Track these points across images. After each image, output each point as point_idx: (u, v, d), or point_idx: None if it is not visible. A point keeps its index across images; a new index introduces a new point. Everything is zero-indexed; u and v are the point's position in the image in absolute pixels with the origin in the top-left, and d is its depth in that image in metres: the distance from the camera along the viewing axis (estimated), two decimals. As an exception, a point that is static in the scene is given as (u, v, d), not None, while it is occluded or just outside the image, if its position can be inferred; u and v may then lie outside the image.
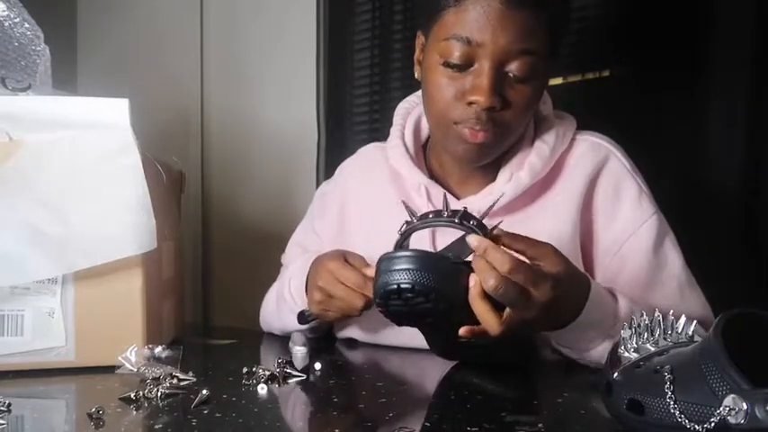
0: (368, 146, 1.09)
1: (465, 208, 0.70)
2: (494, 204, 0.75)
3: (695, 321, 0.58)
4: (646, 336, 0.57)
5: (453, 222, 0.69)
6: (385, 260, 0.68)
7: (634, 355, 0.56)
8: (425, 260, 0.67)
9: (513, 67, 0.81)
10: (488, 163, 0.91)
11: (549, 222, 0.89)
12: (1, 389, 0.71)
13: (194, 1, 1.72)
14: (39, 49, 0.95)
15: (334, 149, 1.56)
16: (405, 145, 0.97)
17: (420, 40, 0.92)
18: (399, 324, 0.74)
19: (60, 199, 0.80)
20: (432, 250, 0.77)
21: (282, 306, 1.01)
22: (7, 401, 0.61)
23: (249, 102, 1.67)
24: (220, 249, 1.72)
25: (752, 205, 1.15)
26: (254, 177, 1.66)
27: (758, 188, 1.15)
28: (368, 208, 1.01)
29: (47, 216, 0.79)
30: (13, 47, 0.94)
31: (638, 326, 0.58)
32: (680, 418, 0.49)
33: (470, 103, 0.82)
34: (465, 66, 0.82)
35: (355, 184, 1.05)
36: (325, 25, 1.57)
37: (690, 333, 0.57)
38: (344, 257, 0.88)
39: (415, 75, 0.93)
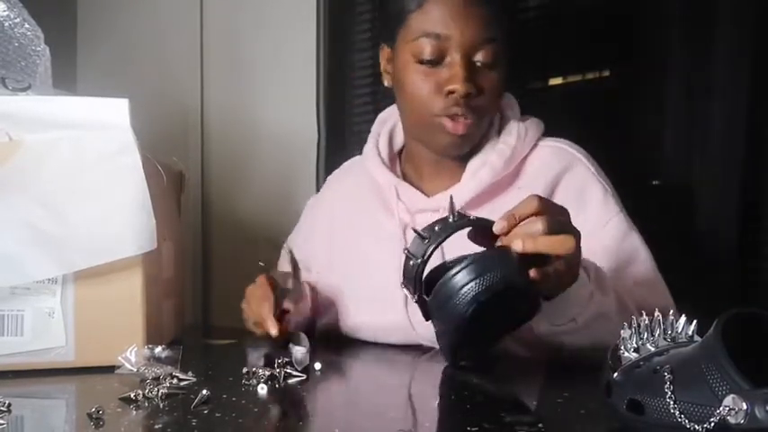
0: (350, 160, 1.16)
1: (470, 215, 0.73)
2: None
3: (695, 321, 0.58)
4: (646, 336, 0.57)
5: (468, 221, 0.71)
6: (443, 285, 0.68)
7: (634, 355, 0.56)
8: (485, 262, 0.67)
9: (480, 56, 0.89)
10: (455, 163, 0.97)
11: None
12: (1, 389, 0.71)
13: (194, 1, 1.72)
14: (39, 49, 0.95)
15: (335, 149, 1.56)
16: (378, 151, 1.04)
17: (384, 51, 0.99)
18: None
19: (60, 199, 0.80)
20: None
21: None
22: (7, 401, 0.61)
23: (249, 102, 1.67)
24: (220, 249, 1.72)
25: (751, 205, 1.15)
26: (254, 177, 1.66)
27: (757, 187, 1.15)
28: (350, 217, 1.07)
29: (47, 216, 0.79)
30: (14, 47, 0.94)
31: (638, 326, 0.57)
32: (680, 418, 0.49)
33: (449, 93, 0.89)
34: (437, 60, 0.89)
35: (341, 194, 1.12)
36: (325, 26, 1.57)
37: (690, 333, 0.57)
38: (271, 281, 0.95)
39: (385, 83, 1.00)
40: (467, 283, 0.67)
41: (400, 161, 1.06)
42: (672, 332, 0.57)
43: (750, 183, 1.14)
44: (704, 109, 1.16)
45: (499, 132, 0.98)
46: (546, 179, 0.94)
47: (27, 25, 0.94)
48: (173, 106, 1.70)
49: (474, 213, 0.93)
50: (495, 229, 0.70)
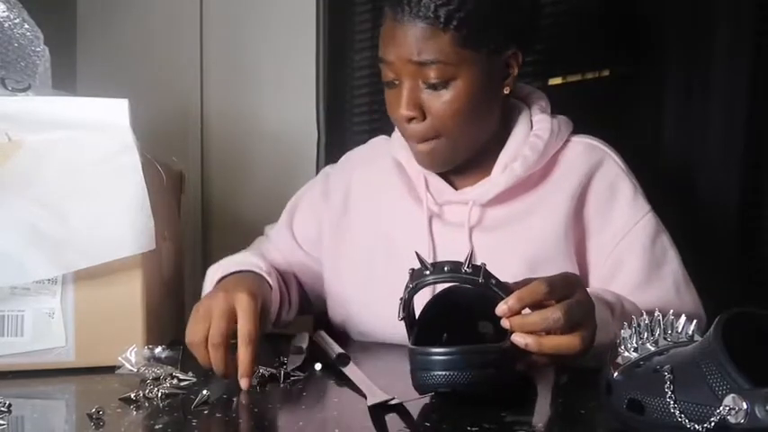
0: (377, 137, 1.10)
1: (484, 264, 0.67)
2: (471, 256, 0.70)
3: (695, 321, 0.58)
4: (646, 335, 0.57)
5: (477, 282, 0.65)
6: (420, 357, 0.65)
7: (634, 355, 0.56)
8: (461, 360, 0.63)
9: (423, 77, 0.84)
10: (485, 156, 0.93)
11: (542, 217, 0.91)
12: (1, 389, 0.71)
13: (194, 1, 1.71)
14: (38, 49, 0.95)
15: (335, 149, 1.56)
16: None
17: None
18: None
19: (60, 199, 0.80)
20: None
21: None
22: (7, 402, 0.61)
23: (249, 102, 1.67)
24: (220, 249, 1.71)
25: (751, 205, 1.15)
26: (254, 177, 1.66)
27: (757, 187, 1.15)
28: (372, 195, 1.02)
29: (46, 216, 0.79)
30: (13, 48, 0.94)
31: (638, 325, 0.57)
32: (680, 417, 0.49)
33: (400, 117, 0.88)
34: (392, 83, 0.88)
35: (361, 173, 1.05)
36: (325, 25, 1.57)
37: (690, 333, 0.57)
38: (232, 312, 0.75)
39: None
40: (437, 369, 0.63)
41: None
42: (672, 332, 0.57)
43: (750, 182, 1.14)
44: (704, 109, 1.16)
45: (531, 126, 0.94)
46: (579, 175, 0.92)
47: (27, 26, 0.94)
48: (173, 106, 1.70)
49: (505, 209, 0.92)
50: (499, 311, 0.65)
